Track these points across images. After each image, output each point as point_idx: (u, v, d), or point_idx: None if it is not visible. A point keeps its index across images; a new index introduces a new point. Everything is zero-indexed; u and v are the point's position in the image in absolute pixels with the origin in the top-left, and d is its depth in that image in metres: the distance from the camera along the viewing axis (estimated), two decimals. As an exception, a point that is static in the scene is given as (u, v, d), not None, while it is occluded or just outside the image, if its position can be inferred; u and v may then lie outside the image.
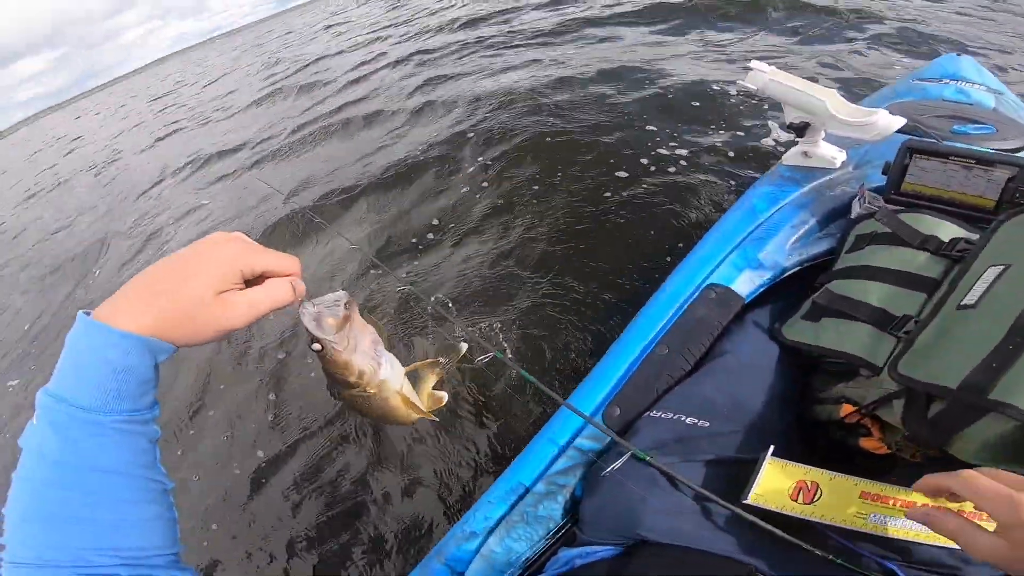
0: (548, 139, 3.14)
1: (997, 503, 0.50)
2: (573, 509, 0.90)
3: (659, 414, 0.89)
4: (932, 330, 0.79)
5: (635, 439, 0.88)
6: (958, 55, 1.85)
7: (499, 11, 7.52)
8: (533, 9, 6.99)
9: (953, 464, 0.66)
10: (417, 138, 3.90)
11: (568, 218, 2.46)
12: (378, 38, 9.47)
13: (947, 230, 0.93)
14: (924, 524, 0.58)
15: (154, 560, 0.47)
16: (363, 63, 7.54)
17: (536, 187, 2.78)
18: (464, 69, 5.28)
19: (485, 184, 2.98)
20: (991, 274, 0.78)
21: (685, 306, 1.05)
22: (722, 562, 0.68)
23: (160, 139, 8.73)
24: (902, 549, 0.65)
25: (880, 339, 0.85)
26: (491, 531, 0.89)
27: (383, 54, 7.62)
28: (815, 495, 0.72)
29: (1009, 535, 0.49)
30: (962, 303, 0.77)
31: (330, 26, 15.31)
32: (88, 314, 0.45)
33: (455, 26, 7.70)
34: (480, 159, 3.21)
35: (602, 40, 4.91)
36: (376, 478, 1.72)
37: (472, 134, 3.53)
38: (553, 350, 1.84)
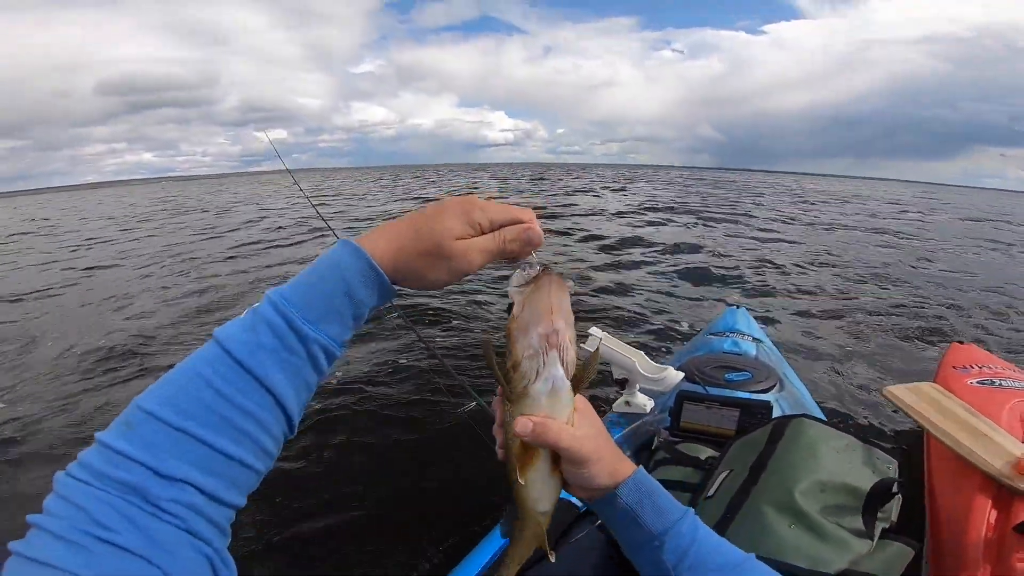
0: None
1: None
2: None
3: None
4: (693, 517, 1.11)
5: None
6: (736, 308, 2.53)
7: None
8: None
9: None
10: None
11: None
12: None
13: (704, 452, 1.33)
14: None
15: (226, 514, 0.42)
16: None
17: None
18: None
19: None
20: (722, 476, 1.15)
21: None
22: None
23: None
24: None
25: None
26: None
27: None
28: None
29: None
30: (707, 495, 1.12)
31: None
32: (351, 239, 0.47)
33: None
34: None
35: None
36: None
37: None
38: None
